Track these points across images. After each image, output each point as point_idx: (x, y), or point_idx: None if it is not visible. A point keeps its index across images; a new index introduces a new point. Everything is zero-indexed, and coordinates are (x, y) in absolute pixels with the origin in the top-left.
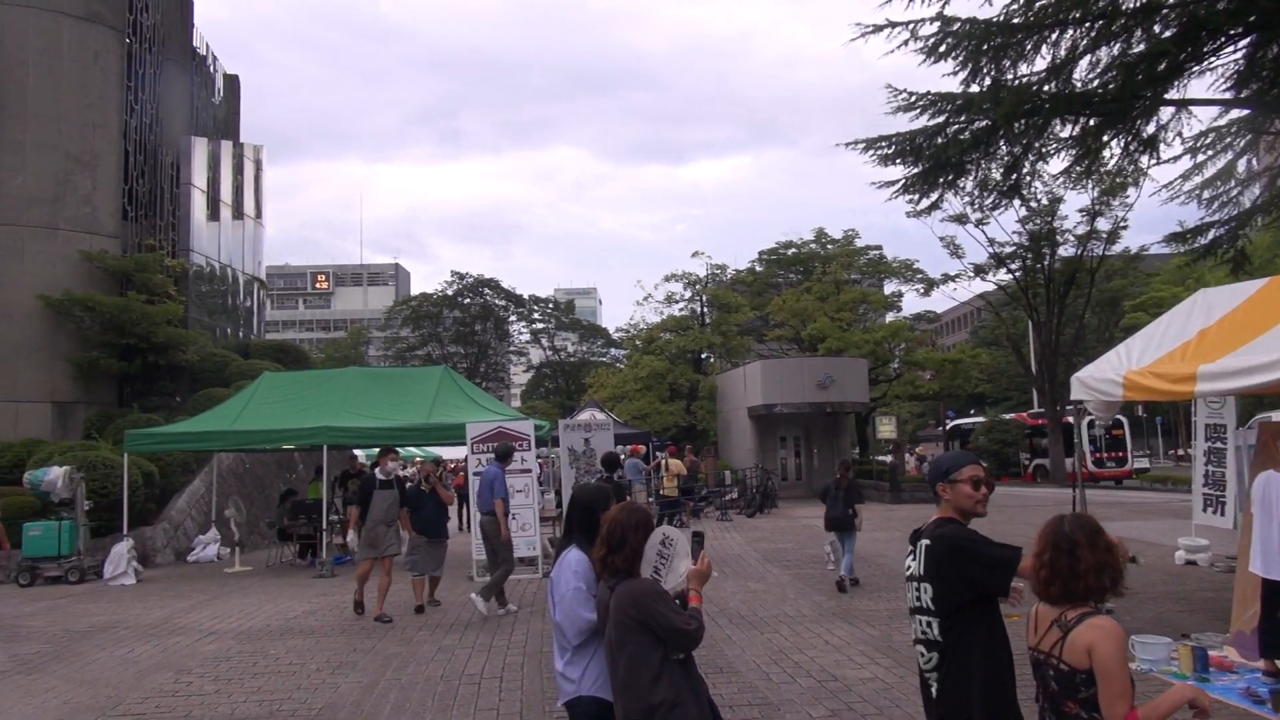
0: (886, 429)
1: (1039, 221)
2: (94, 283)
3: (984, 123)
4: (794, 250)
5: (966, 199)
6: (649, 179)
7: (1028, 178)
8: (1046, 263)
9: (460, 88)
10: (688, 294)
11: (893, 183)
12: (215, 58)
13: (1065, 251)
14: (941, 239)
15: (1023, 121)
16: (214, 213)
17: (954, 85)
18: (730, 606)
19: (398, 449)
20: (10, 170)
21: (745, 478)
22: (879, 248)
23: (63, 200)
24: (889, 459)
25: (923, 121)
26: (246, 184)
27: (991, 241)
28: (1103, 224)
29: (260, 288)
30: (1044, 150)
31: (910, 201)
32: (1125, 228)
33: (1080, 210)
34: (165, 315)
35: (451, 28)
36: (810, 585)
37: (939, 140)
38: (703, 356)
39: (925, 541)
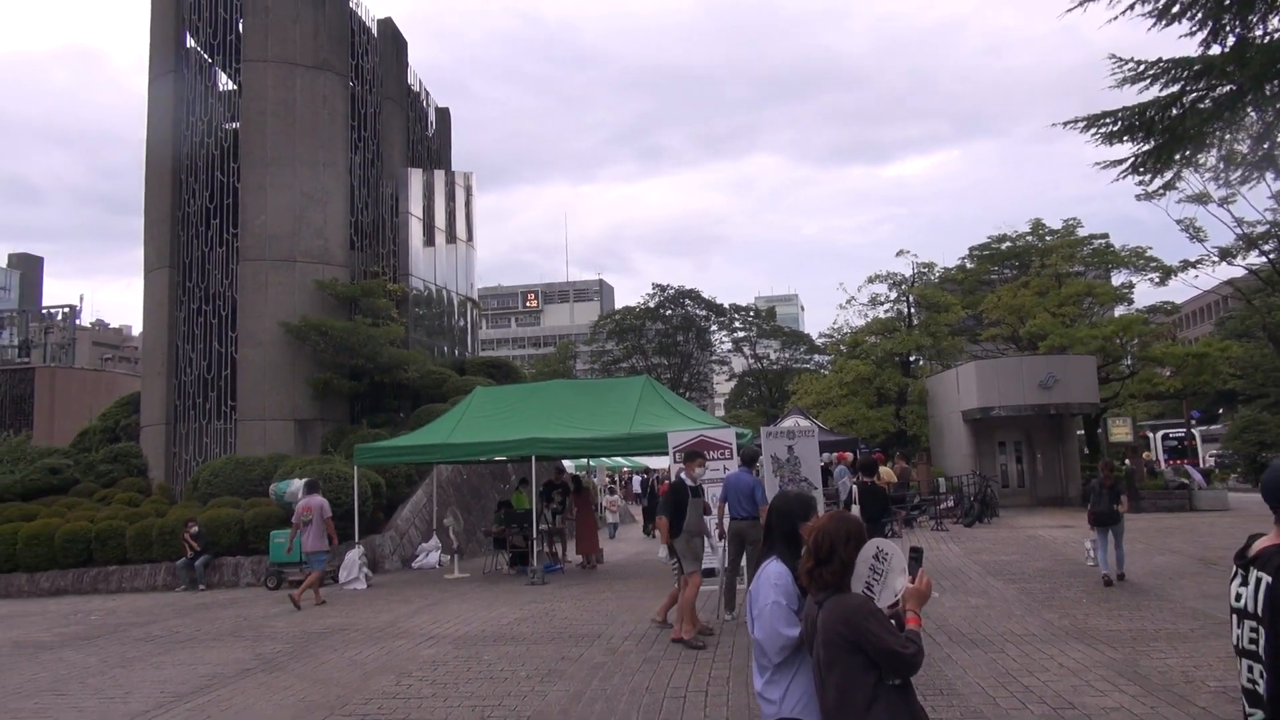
0: (1120, 431)
1: None
2: (326, 309)
3: (1228, 88)
4: (1008, 244)
5: (1209, 175)
6: (850, 181)
7: None
8: None
9: (658, 105)
10: (893, 295)
11: (1119, 162)
12: (428, 93)
13: None
14: (1179, 222)
15: (1275, 84)
16: (429, 238)
17: (1190, 49)
18: (950, 623)
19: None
20: (254, 211)
21: (961, 485)
22: (1105, 236)
23: (298, 235)
24: (1126, 463)
25: (1154, 92)
26: (458, 210)
27: (1239, 221)
28: None
29: (473, 307)
30: None
31: (1141, 183)
32: None
33: None
34: (388, 337)
35: (649, 48)
36: (1039, 601)
37: (1173, 112)
38: (911, 359)
39: (1266, 579)
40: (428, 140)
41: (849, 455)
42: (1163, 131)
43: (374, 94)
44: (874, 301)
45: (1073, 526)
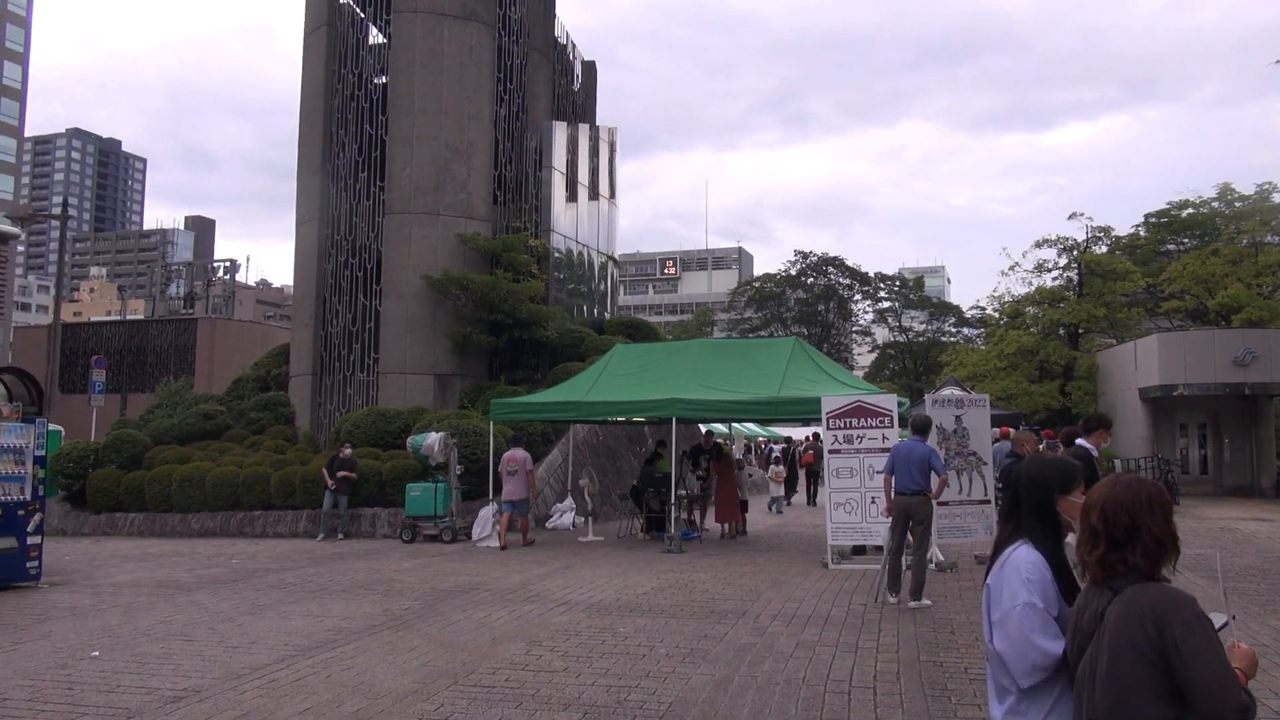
0: None
1: None
2: (468, 264)
3: None
4: (1190, 211)
5: None
6: (1006, 149)
7: None
8: None
9: (806, 71)
10: (1063, 261)
11: None
12: (574, 45)
13: None
14: None
15: None
16: (572, 194)
17: None
18: None
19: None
20: (400, 163)
21: (1139, 469)
22: None
23: (443, 188)
24: None
25: None
26: (601, 166)
27: None
28: None
29: (614, 267)
30: None
31: None
32: None
33: None
34: (528, 292)
35: (798, 11)
36: (1261, 605)
37: None
38: (1079, 331)
39: None
40: (573, 94)
41: (1010, 430)
42: None
43: (520, 45)
44: (1040, 268)
45: (1272, 520)
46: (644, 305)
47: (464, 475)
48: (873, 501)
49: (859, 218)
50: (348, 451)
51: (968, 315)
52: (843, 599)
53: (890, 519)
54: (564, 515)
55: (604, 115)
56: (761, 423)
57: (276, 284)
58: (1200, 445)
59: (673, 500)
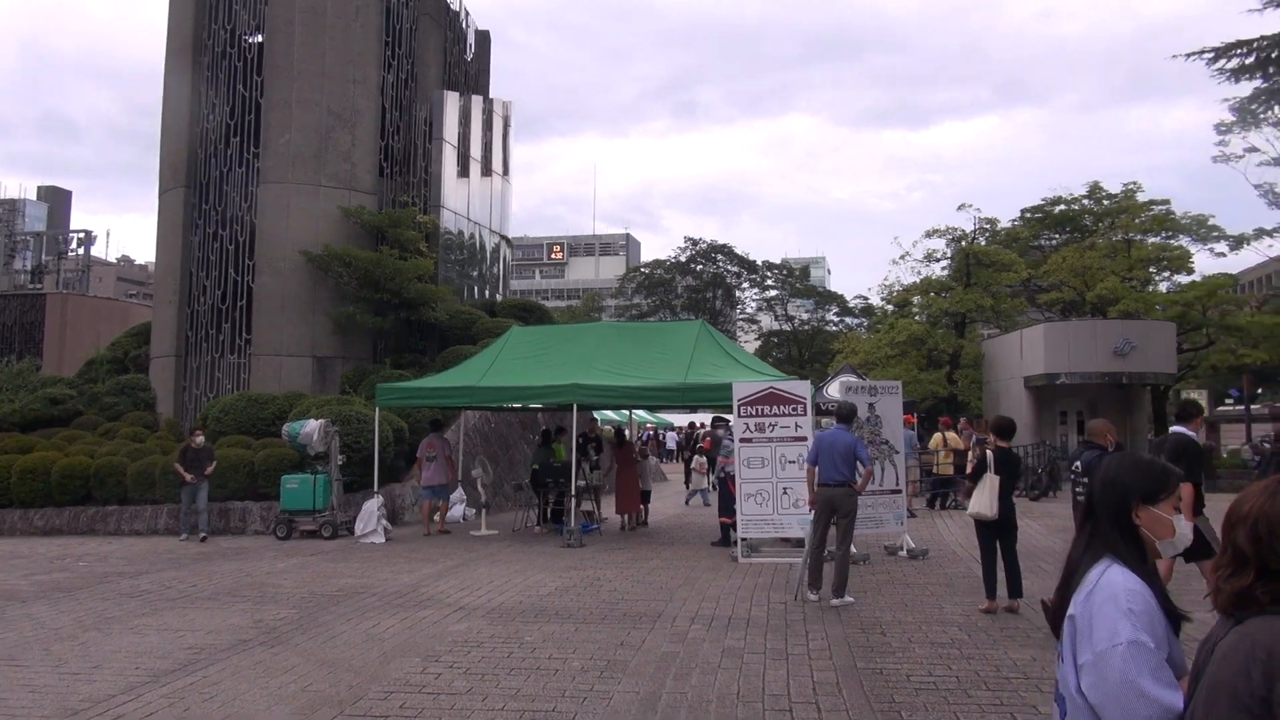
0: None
1: None
2: (351, 239)
3: None
4: (1062, 208)
5: None
6: (886, 146)
7: None
8: None
9: (698, 60)
10: (950, 251)
11: (1247, 101)
12: (468, 13)
13: None
14: (1257, 186)
15: None
16: (464, 169)
17: None
18: None
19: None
20: (278, 129)
21: (1026, 455)
22: (1166, 202)
23: (324, 157)
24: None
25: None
26: (495, 141)
27: None
28: None
29: (507, 246)
30: None
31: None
32: None
33: None
34: (416, 271)
35: (693, 1)
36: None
37: None
38: (965, 321)
39: None
40: (465, 64)
41: (913, 418)
42: None
43: (410, 9)
44: (930, 257)
45: None
46: (531, 290)
47: (346, 465)
48: (784, 492)
49: (745, 208)
50: (200, 440)
51: (851, 304)
52: (760, 597)
53: (812, 511)
54: (455, 507)
55: (496, 93)
56: (653, 410)
57: (140, 260)
58: (1079, 432)
59: (572, 491)
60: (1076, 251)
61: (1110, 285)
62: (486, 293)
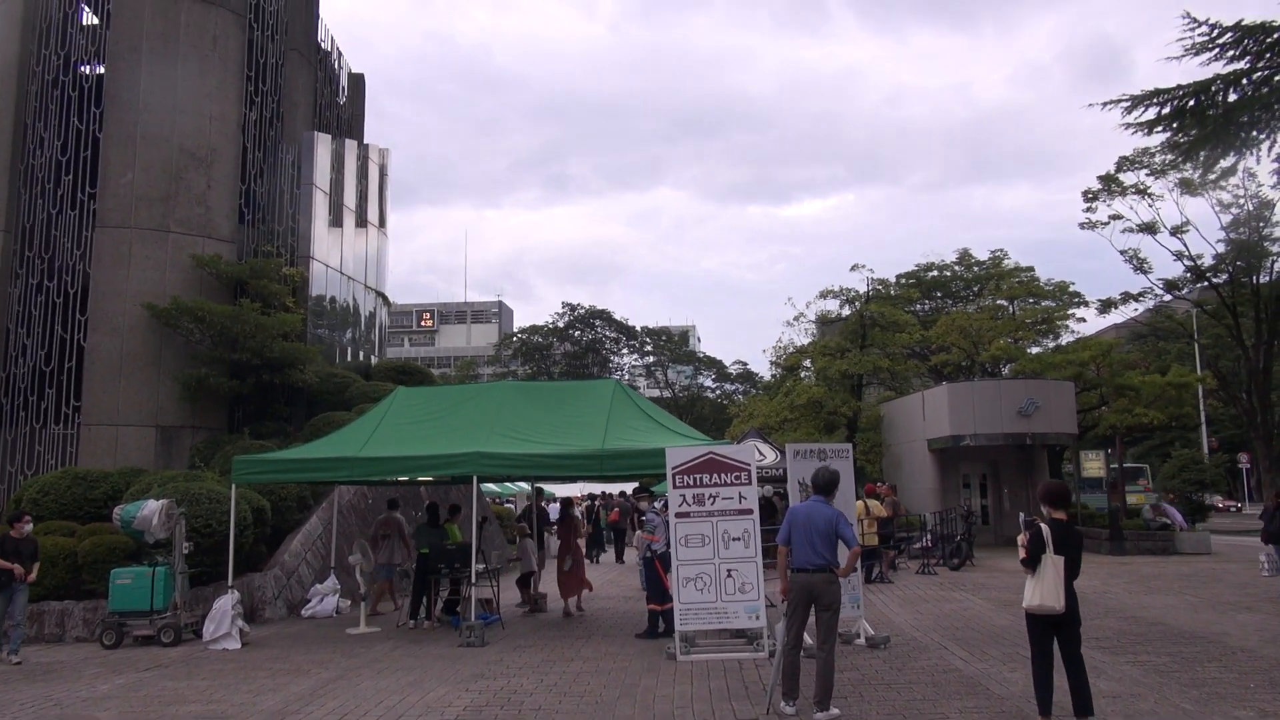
0: (1094, 465)
1: (1244, 229)
2: (206, 292)
3: None
4: (934, 274)
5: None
6: (750, 219)
7: None
8: (1256, 277)
9: (569, 133)
10: (845, 311)
11: (1173, 147)
12: (340, 53)
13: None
14: (1123, 252)
15: None
16: (336, 218)
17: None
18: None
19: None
20: (119, 167)
21: (942, 521)
22: (1031, 269)
23: (175, 200)
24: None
25: (1215, 68)
26: (371, 190)
27: (1178, 256)
28: None
29: (384, 304)
30: None
31: (1183, 166)
32: None
33: None
34: (281, 327)
35: (562, 76)
36: (1190, 684)
37: (1248, 90)
38: (863, 382)
39: None
40: (339, 108)
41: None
42: (1216, 118)
43: (277, 43)
44: (823, 319)
45: None
46: (400, 359)
47: (194, 554)
48: (729, 575)
49: (615, 277)
50: (28, 528)
51: (730, 370)
52: (723, 710)
53: (786, 603)
54: (325, 600)
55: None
56: (561, 481)
57: None
58: (981, 495)
59: (472, 578)
60: (962, 314)
61: (1001, 346)
62: (361, 355)
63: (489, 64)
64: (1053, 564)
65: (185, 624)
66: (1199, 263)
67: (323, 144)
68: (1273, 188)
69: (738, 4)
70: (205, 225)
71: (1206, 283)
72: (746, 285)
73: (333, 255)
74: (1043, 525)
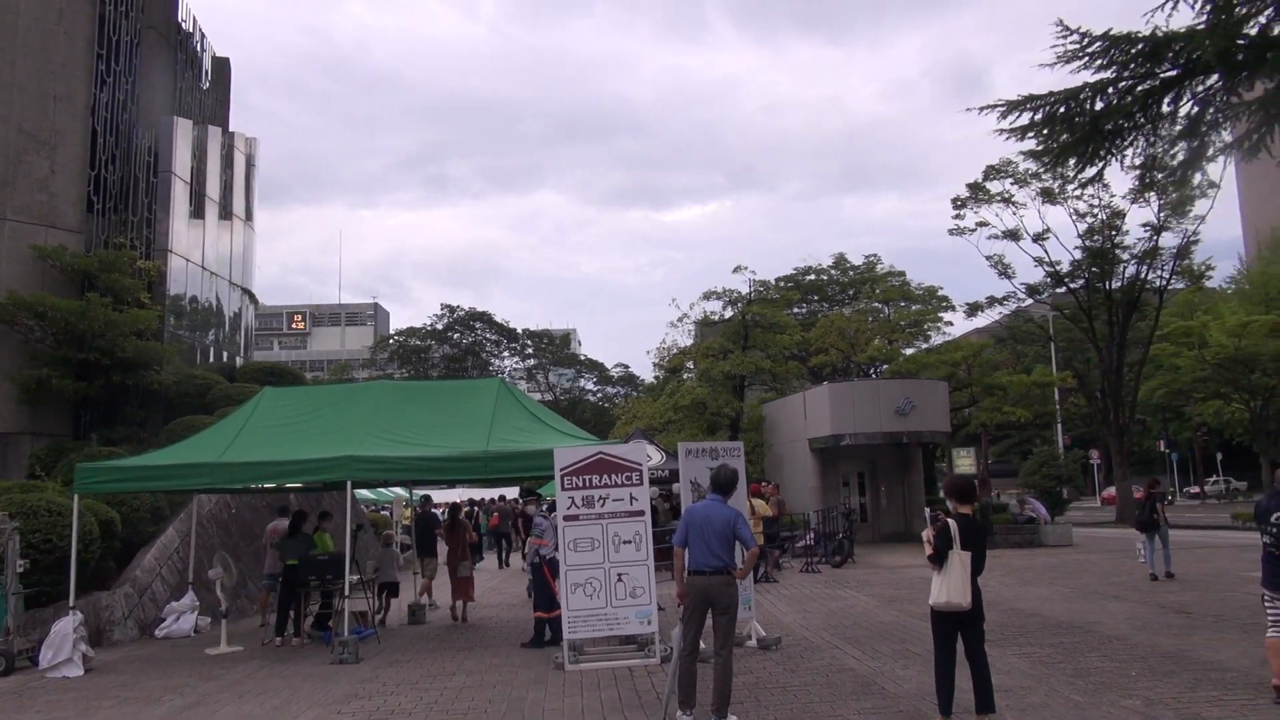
0: (965, 462)
1: (1099, 237)
2: (49, 286)
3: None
4: (812, 277)
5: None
6: (631, 224)
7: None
8: (1109, 283)
9: (448, 135)
10: (728, 313)
11: (1035, 153)
12: (203, 35)
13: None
14: (989, 258)
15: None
16: (198, 210)
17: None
18: None
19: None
20: None
21: (824, 520)
22: (902, 274)
23: (13, 185)
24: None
25: (1085, 77)
26: (236, 181)
27: (1039, 261)
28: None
29: (250, 302)
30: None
31: (1053, 171)
32: (1197, 243)
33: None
34: (134, 324)
35: (442, 76)
36: (1075, 674)
37: (1113, 99)
38: (745, 383)
39: None
40: (201, 93)
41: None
42: (1084, 125)
43: (132, 20)
44: (707, 321)
45: None
46: (269, 361)
47: (31, 573)
48: (619, 579)
49: (496, 280)
50: None
51: (611, 372)
52: None
53: (682, 607)
54: (182, 618)
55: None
56: (443, 485)
57: None
58: (860, 493)
59: (345, 590)
60: (840, 316)
61: (877, 347)
62: (226, 356)
63: (366, 61)
64: (960, 560)
65: (19, 650)
66: (1058, 269)
67: (183, 130)
68: (1124, 197)
69: (619, 10)
70: (48, 214)
71: (1065, 288)
72: (628, 289)
73: (194, 249)
74: (950, 521)
